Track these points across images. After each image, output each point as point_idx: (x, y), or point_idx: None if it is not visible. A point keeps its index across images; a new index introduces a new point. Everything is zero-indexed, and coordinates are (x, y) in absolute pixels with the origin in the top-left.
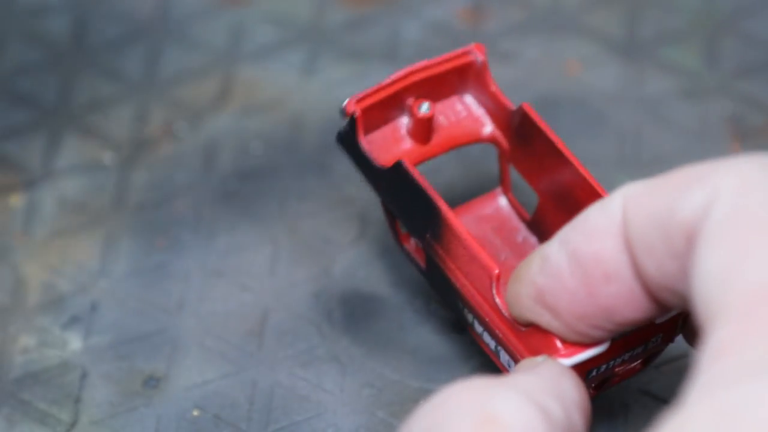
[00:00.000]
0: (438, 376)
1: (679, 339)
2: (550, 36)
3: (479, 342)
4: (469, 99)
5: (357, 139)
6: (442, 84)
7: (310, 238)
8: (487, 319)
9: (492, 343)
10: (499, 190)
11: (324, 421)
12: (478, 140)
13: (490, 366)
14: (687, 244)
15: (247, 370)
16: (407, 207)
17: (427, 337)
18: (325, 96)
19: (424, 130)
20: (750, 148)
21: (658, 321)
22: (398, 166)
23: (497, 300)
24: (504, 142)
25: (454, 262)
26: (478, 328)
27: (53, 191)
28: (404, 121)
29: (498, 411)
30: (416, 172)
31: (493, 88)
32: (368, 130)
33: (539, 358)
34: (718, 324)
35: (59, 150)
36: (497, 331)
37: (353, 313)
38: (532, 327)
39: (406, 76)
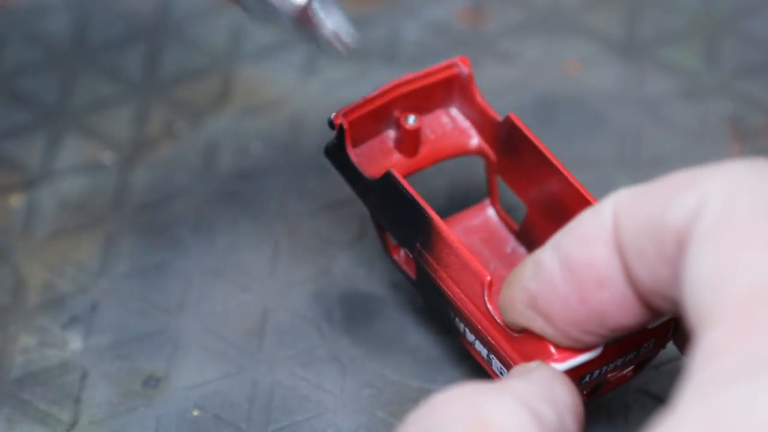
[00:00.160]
0: (438, 376)
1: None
2: (550, 36)
3: (471, 351)
4: (455, 111)
5: (345, 151)
6: (428, 97)
7: (310, 238)
8: (479, 327)
9: (484, 351)
10: (486, 201)
11: (324, 421)
12: (465, 152)
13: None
14: (678, 249)
15: (247, 370)
16: (397, 217)
17: (427, 337)
18: (325, 96)
19: (411, 142)
20: (750, 148)
21: (650, 326)
22: (388, 176)
23: (489, 306)
24: (491, 153)
25: (445, 270)
26: (470, 337)
27: (53, 191)
28: (391, 134)
29: (491, 416)
30: (405, 182)
31: (479, 99)
32: (355, 143)
33: (533, 364)
34: (709, 327)
35: (59, 150)
36: (489, 338)
37: (353, 313)
38: (525, 333)
39: (392, 89)
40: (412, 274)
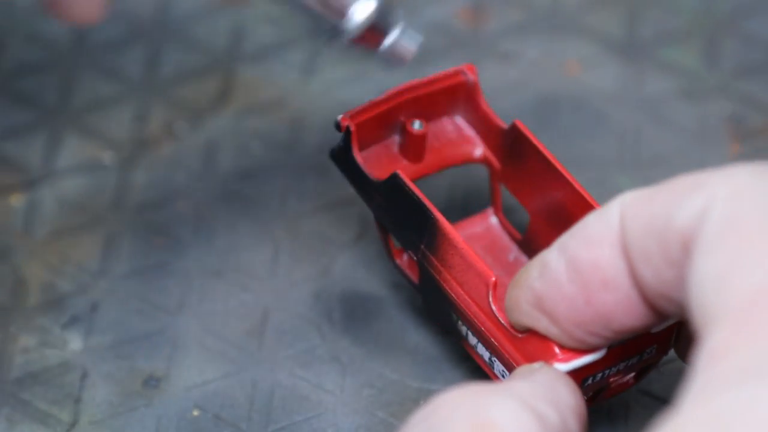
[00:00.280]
0: (438, 376)
1: None
2: (550, 36)
3: (473, 354)
4: (460, 120)
5: (351, 153)
6: (434, 104)
7: (310, 238)
8: (482, 329)
9: (486, 354)
10: (489, 210)
11: (324, 421)
12: (470, 161)
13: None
14: (683, 252)
15: (247, 370)
16: (402, 219)
17: (427, 337)
18: (325, 96)
19: (417, 147)
20: (749, 149)
21: (654, 330)
22: (394, 178)
23: (493, 307)
24: (495, 162)
25: (449, 272)
26: (472, 340)
27: (53, 191)
28: (396, 140)
29: (493, 417)
30: (412, 184)
31: (485, 107)
32: (361, 147)
33: (536, 365)
34: (714, 328)
35: (59, 150)
36: (493, 340)
37: (353, 313)
38: (530, 333)
39: (398, 94)
40: (414, 278)
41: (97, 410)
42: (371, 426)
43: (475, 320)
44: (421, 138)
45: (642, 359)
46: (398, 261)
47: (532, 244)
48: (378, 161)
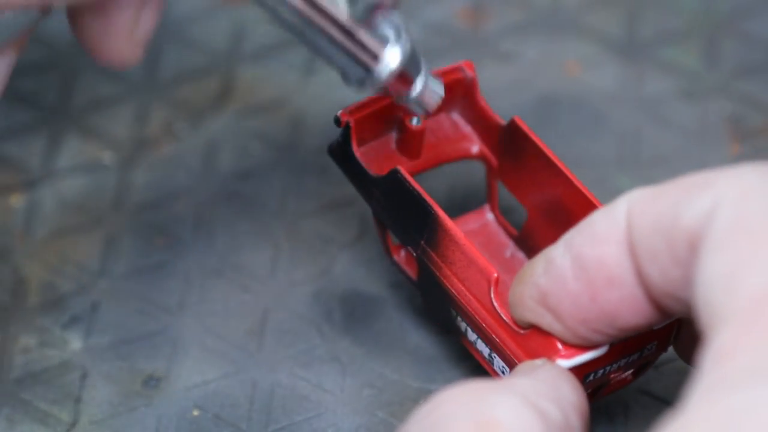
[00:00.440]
0: (438, 376)
1: None
2: (550, 36)
3: (472, 351)
4: (457, 116)
5: (351, 149)
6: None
7: (310, 238)
8: (483, 325)
9: (486, 351)
10: (486, 207)
11: (324, 421)
12: (467, 158)
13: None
14: (690, 251)
15: (247, 370)
16: (401, 215)
17: (427, 337)
18: (325, 96)
19: (414, 143)
20: (749, 149)
21: (655, 328)
22: (394, 173)
23: (495, 303)
24: (492, 158)
25: (450, 268)
26: (472, 336)
27: (53, 191)
28: (393, 137)
29: (495, 414)
30: (412, 179)
31: (482, 104)
32: (359, 143)
33: (538, 362)
34: (720, 328)
35: (59, 150)
36: (493, 336)
37: (353, 313)
38: (532, 329)
39: None
40: (413, 274)
41: (97, 410)
42: (371, 426)
43: (476, 316)
44: (419, 134)
45: (642, 356)
46: (396, 258)
47: (528, 240)
48: (375, 157)
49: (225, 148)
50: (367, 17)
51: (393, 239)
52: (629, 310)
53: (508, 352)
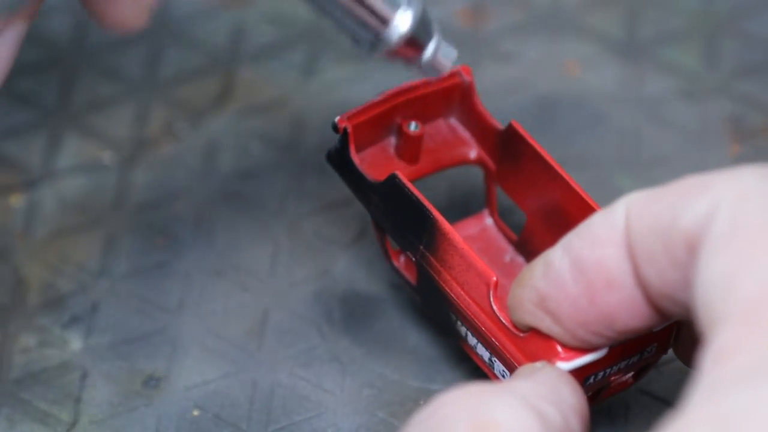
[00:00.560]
0: (438, 376)
1: None
2: (549, 36)
3: (472, 355)
4: (455, 122)
5: (349, 154)
6: (429, 106)
7: (310, 238)
8: (483, 329)
9: (486, 355)
10: (485, 211)
11: (324, 421)
12: (465, 163)
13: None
14: (689, 253)
15: (247, 370)
16: (400, 220)
17: (427, 337)
18: (325, 96)
19: (413, 149)
20: (749, 149)
21: (654, 330)
22: (393, 178)
23: (495, 307)
24: (491, 163)
25: (449, 272)
26: (472, 341)
27: (53, 191)
28: (392, 142)
29: (495, 416)
30: (410, 184)
31: (480, 109)
32: (357, 149)
33: (537, 364)
34: (721, 329)
35: (59, 150)
36: (493, 340)
37: (353, 313)
38: (532, 332)
39: (395, 96)
40: (412, 279)
41: (97, 410)
42: (371, 426)
43: (476, 320)
44: (417, 139)
45: (642, 358)
46: (396, 263)
47: (528, 245)
48: (374, 163)
49: (225, 148)
50: None
51: (392, 244)
52: (628, 312)
53: (508, 356)
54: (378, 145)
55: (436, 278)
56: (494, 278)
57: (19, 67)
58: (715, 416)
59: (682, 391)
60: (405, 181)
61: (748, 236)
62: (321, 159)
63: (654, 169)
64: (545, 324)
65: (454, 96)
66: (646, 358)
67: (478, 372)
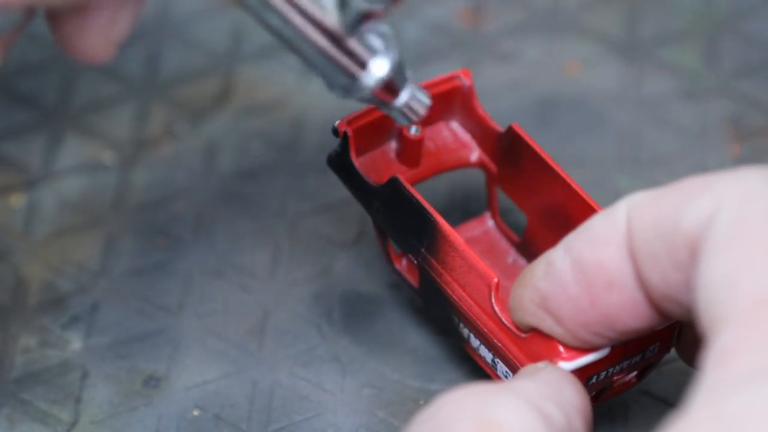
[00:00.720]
0: (438, 376)
1: None
2: (550, 36)
3: (475, 357)
4: (455, 125)
5: (349, 158)
6: (430, 109)
7: (310, 238)
8: (485, 330)
9: (489, 356)
10: (487, 214)
11: (324, 421)
12: (466, 166)
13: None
14: (690, 255)
15: (247, 370)
16: (401, 223)
17: (427, 337)
18: (325, 96)
19: (413, 152)
20: (750, 149)
21: (656, 329)
22: (393, 182)
23: (496, 308)
24: (492, 166)
25: (450, 274)
26: (474, 342)
27: (53, 191)
28: (392, 146)
29: (498, 416)
30: (411, 187)
31: (480, 112)
32: (358, 153)
33: (540, 364)
34: (722, 330)
35: (59, 150)
36: (496, 341)
37: (353, 313)
38: (534, 333)
39: None
40: (414, 282)
41: (97, 410)
42: (371, 426)
43: (478, 321)
44: (418, 143)
45: (645, 357)
46: (398, 266)
47: (530, 246)
48: (375, 167)
49: (225, 148)
50: (357, 25)
51: (394, 248)
52: (629, 313)
53: (510, 357)
54: (378, 149)
55: (438, 280)
56: (495, 279)
57: (19, 67)
58: (717, 417)
59: (682, 391)
60: (405, 184)
61: (750, 237)
62: (321, 159)
63: (654, 169)
64: (546, 324)
65: (454, 99)
66: (649, 358)
67: (478, 372)
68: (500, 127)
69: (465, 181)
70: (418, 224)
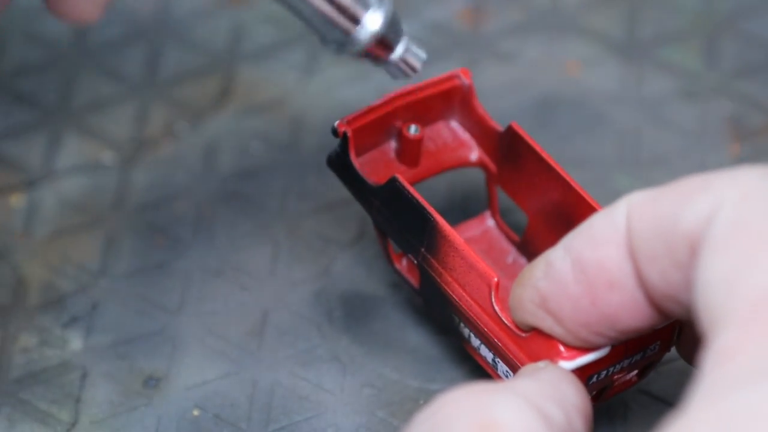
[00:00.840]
0: (438, 375)
1: None
2: (550, 36)
3: (476, 357)
4: (455, 124)
5: (349, 159)
6: (429, 108)
7: (310, 238)
8: (485, 329)
9: (489, 356)
10: (487, 213)
11: (324, 421)
12: (466, 165)
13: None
14: (690, 254)
15: (247, 369)
16: (401, 223)
17: (427, 337)
18: (325, 96)
19: (413, 152)
20: (750, 149)
21: (657, 328)
22: (393, 182)
23: (496, 308)
24: (491, 165)
25: (450, 274)
26: (475, 342)
27: (53, 191)
28: (392, 145)
29: (498, 416)
30: (410, 187)
31: (480, 111)
32: (357, 153)
33: (540, 364)
34: (721, 329)
35: (59, 150)
36: (496, 341)
37: (353, 313)
38: (534, 332)
39: (394, 99)
40: (414, 282)
41: (97, 410)
42: (371, 426)
43: (478, 321)
44: (417, 143)
45: (645, 356)
46: (398, 266)
47: (530, 246)
48: (374, 166)
49: (225, 148)
50: None
51: (394, 247)
52: (629, 312)
53: (511, 356)
54: (378, 149)
55: (438, 280)
56: (495, 279)
57: (19, 67)
58: (716, 417)
59: (682, 391)
60: (405, 184)
61: (750, 237)
62: (321, 159)
63: (654, 169)
64: (547, 324)
65: (453, 99)
66: (650, 356)
67: (478, 372)
68: (500, 127)
69: (465, 180)
70: (417, 224)
